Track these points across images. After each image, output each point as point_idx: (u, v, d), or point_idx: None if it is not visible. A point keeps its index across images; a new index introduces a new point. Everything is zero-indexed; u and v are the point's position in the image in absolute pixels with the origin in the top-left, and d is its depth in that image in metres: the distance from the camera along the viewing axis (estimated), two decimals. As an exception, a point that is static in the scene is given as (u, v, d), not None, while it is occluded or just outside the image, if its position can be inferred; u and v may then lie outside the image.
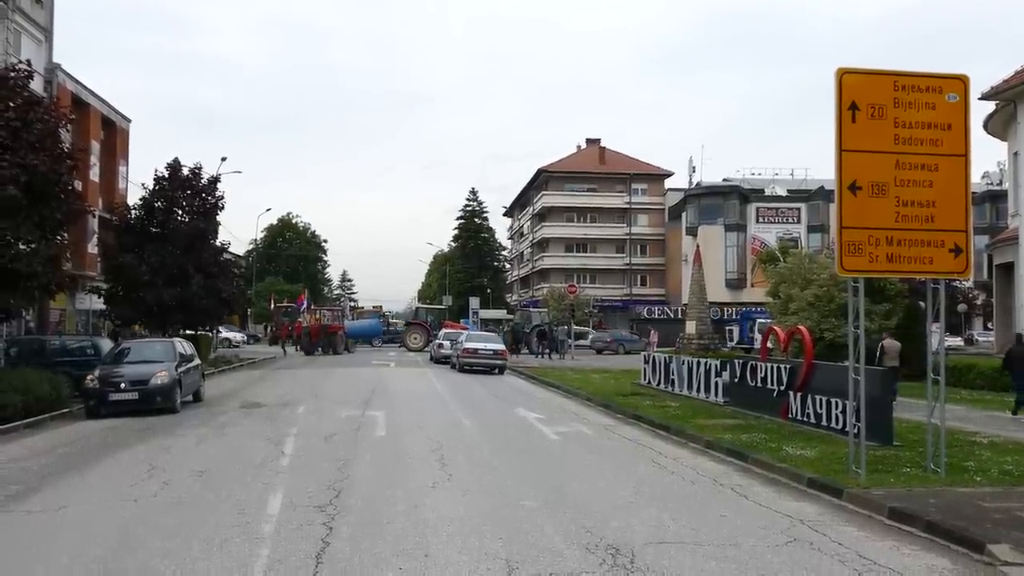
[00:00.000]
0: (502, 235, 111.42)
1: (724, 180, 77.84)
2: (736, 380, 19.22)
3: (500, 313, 75.87)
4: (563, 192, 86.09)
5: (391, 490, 10.12)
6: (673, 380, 23.11)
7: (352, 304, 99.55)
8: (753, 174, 79.11)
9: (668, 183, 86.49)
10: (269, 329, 69.52)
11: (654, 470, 12.11)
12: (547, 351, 46.76)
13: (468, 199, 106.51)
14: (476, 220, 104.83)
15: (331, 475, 10.99)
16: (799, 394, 16.14)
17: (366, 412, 18.67)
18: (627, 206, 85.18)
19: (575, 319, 49.10)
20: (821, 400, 15.32)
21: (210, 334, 41.07)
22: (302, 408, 19.68)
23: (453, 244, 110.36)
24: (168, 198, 32.91)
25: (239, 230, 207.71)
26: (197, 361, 22.38)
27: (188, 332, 33.72)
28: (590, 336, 61.64)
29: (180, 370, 19.70)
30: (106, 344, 23.48)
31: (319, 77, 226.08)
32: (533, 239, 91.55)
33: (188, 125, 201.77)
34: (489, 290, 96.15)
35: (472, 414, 18.98)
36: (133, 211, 33.27)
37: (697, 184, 77.98)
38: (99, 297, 32.40)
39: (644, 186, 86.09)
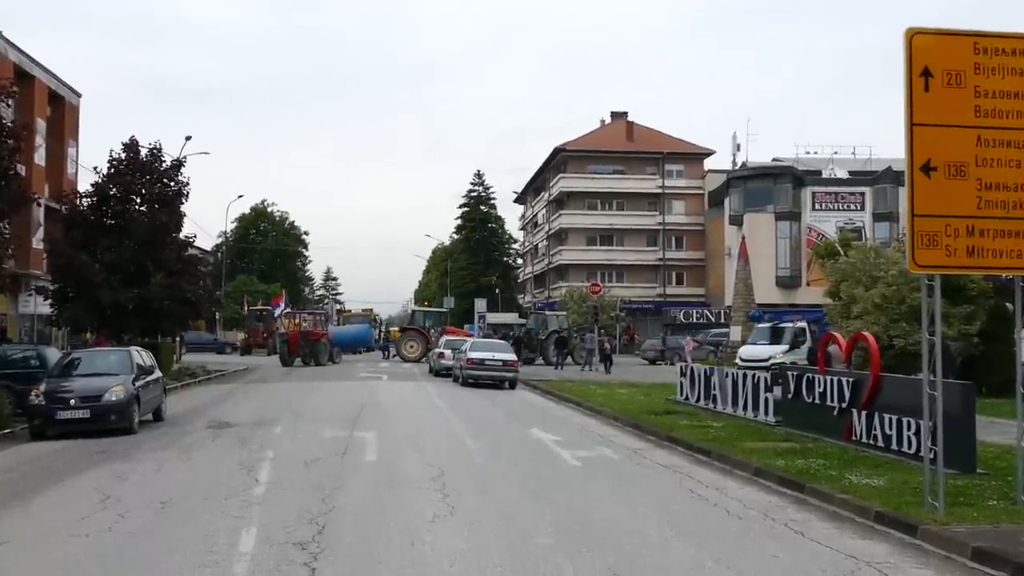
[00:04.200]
0: (513, 225, 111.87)
1: (774, 160, 77.72)
2: (790, 396, 19.11)
3: (511, 317, 75.94)
4: (584, 174, 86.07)
5: (383, 524, 10.16)
6: (714, 396, 23.00)
7: (338, 307, 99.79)
8: (808, 153, 78.99)
9: (708, 163, 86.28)
10: (244, 336, 69.89)
11: (692, 502, 12.11)
12: (585, 362, 46.70)
13: (473, 183, 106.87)
14: (482, 207, 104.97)
15: (314, 506, 11.05)
16: (864, 412, 16.03)
17: (354, 432, 18.74)
18: (660, 191, 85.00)
19: (599, 324, 49.01)
20: (890, 419, 15.20)
21: (173, 342, 41.25)
22: (279, 428, 19.81)
23: (455, 236, 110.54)
24: (124, 184, 33.10)
25: (207, 220, 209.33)
26: (158, 374, 22.47)
27: (147, 340, 33.95)
28: (644, 344, 61.79)
29: (138, 384, 19.76)
30: (53, 354, 23.59)
31: (304, 44, 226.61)
32: (549, 230, 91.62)
33: (148, 101, 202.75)
34: (498, 290, 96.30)
35: (478, 435, 19.06)
36: (84, 200, 33.50)
37: (742, 165, 77.91)
38: (45, 299, 32.68)
39: (680, 167, 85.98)
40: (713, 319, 72.09)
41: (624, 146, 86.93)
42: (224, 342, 70.93)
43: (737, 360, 35.74)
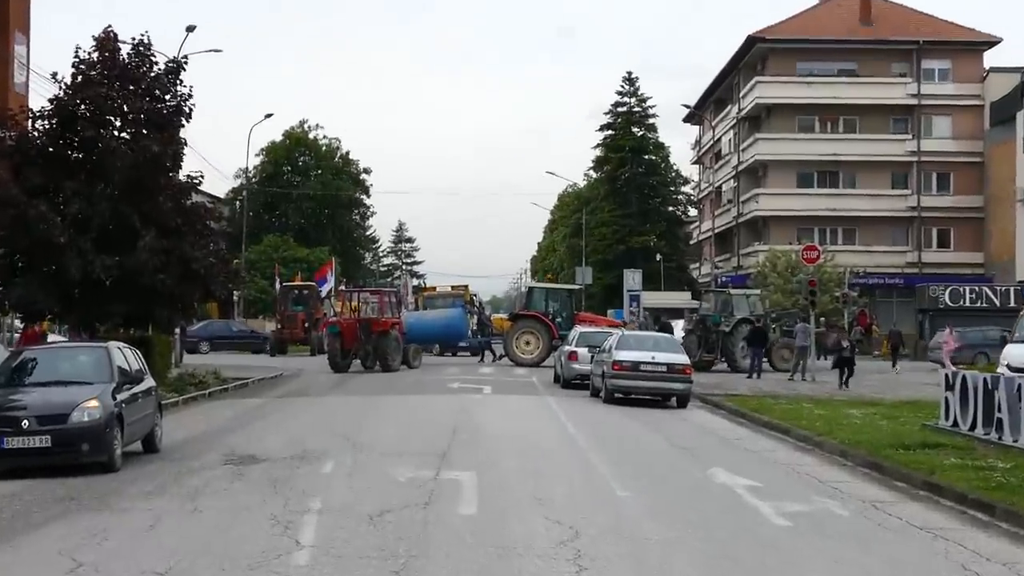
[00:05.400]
0: (682, 158, 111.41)
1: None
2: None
3: (680, 298, 75.63)
4: (793, 78, 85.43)
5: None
6: (999, 420, 22.50)
7: (416, 283, 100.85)
8: None
9: (990, 59, 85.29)
10: (276, 327, 71.11)
11: (969, 587, 12.03)
12: (795, 367, 45.98)
13: (620, 90, 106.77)
14: (635, 130, 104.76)
15: (382, 588, 11.21)
16: None
17: (442, 473, 18.92)
18: (913, 101, 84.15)
19: (817, 309, 48.32)
20: None
21: (171, 335, 42.17)
22: (329, 465, 19.98)
23: (593, 175, 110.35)
24: (97, 99, 33.24)
25: (219, 153, 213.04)
26: (150, 382, 22.75)
27: (135, 332, 34.76)
28: (938, 336, 60.76)
29: (121, 398, 19.97)
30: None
31: None
32: (739, 164, 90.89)
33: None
34: (659, 257, 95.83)
35: (632, 477, 19.09)
36: (39, 123, 33.82)
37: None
38: (-18, 272, 33.63)
39: (945, 64, 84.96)
40: (997, 301, 70.63)
41: (857, 33, 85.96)
42: (262, 335, 72.13)
43: (1002, 366, 34.67)
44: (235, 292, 65.23)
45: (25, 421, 18.78)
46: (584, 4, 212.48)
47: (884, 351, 63.16)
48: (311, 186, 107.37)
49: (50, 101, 33.86)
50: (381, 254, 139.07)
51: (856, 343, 62.29)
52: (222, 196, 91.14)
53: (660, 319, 65.39)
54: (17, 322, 37.09)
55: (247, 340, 70.02)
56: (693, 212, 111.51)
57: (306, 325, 66.73)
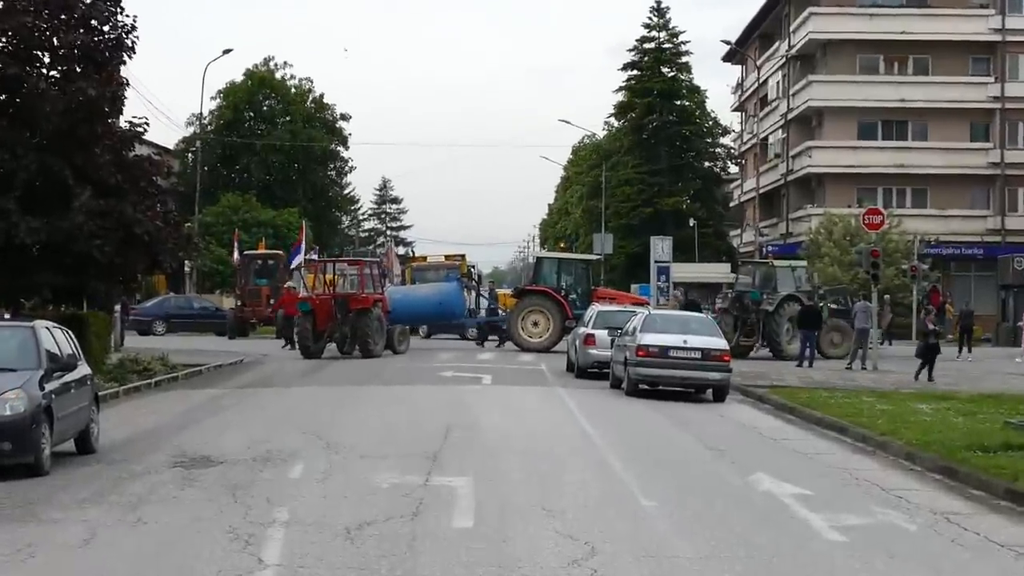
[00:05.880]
0: (720, 104, 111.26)
1: None
2: None
3: (717, 271, 75.49)
4: (854, 9, 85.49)
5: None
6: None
7: (403, 251, 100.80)
8: None
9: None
10: (235, 304, 71.09)
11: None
12: (854, 354, 45.86)
13: (648, 23, 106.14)
14: (664, 70, 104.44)
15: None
16: None
17: (433, 478, 18.96)
18: (996, 38, 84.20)
19: (877, 283, 48.10)
20: None
21: (110, 313, 42.07)
22: (299, 468, 20.02)
23: (615, 124, 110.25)
24: (22, 31, 33.11)
25: (169, 98, 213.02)
26: (85, 370, 22.77)
27: (67, 309, 34.78)
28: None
29: (49, 388, 19.89)
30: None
31: None
32: (789, 110, 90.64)
33: None
34: (694, 222, 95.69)
35: (659, 484, 19.20)
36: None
37: None
38: None
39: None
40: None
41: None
42: (223, 312, 71.64)
43: None
44: (187, 262, 65.11)
45: (-71, 416, 19.05)
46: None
47: (955, 334, 62.99)
48: (278, 136, 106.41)
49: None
50: (361, 217, 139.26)
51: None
52: (171, 147, 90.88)
53: (687, 295, 64.87)
54: None
55: (211, 320, 69.83)
56: (734, 169, 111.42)
57: (272, 302, 66.47)
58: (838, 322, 50.13)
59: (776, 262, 60.05)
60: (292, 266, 64.87)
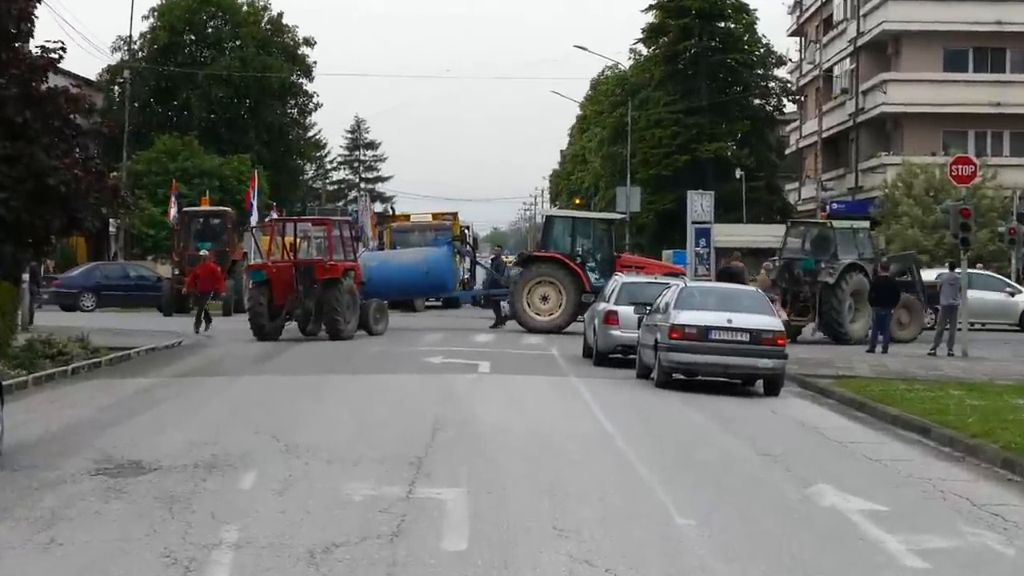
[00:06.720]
0: (773, 27, 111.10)
1: None
2: None
3: (770, 233, 75.69)
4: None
5: None
6: None
7: (380, 207, 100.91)
8: None
9: None
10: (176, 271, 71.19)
11: None
12: (939, 338, 45.72)
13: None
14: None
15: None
16: None
17: (417, 488, 18.47)
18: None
19: (968, 248, 48.03)
20: None
21: (17, 285, 42.12)
22: (252, 476, 19.39)
23: (643, 52, 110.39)
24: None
25: (90, 18, 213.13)
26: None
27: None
28: None
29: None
30: None
31: None
32: (859, 36, 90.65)
33: None
34: (740, 173, 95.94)
35: (699, 498, 18.68)
36: None
37: None
38: None
39: None
40: None
41: None
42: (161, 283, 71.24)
43: None
44: (112, 221, 65.23)
45: None
46: None
47: None
48: (225, 64, 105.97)
49: None
50: (329, 166, 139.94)
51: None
52: (94, 79, 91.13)
53: (728, 263, 63.26)
54: None
55: (151, 292, 69.36)
56: (790, 108, 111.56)
57: (220, 271, 66.31)
58: (907, 297, 49.78)
59: (835, 223, 59.32)
60: (244, 227, 65.17)
